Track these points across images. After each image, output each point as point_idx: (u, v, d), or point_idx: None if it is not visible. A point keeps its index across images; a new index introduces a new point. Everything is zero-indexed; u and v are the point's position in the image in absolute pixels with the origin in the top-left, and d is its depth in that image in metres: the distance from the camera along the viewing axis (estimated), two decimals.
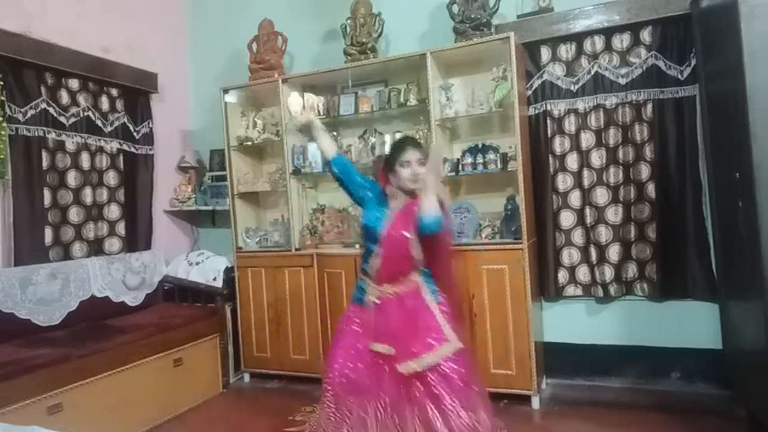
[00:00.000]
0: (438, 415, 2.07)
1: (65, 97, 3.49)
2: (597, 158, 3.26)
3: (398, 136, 3.35)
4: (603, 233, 3.26)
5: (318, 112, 3.72)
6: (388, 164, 2.26)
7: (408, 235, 2.15)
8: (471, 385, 2.17)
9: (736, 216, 2.34)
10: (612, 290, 3.26)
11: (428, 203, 2.08)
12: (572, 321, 3.40)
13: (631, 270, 3.23)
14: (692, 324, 3.14)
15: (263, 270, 3.72)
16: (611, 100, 3.21)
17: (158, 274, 3.91)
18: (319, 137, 2.39)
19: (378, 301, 2.20)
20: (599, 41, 3.22)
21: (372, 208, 2.27)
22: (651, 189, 3.15)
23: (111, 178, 3.80)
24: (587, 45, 3.25)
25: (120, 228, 3.85)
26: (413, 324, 2.16)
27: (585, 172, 3.27)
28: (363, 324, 2.25)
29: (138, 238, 3.95)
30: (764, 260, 2.10)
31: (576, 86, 3.27)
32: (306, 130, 2.51)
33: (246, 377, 3.87)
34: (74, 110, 3.54)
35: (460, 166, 3.28)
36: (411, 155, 2.19)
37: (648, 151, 3.15)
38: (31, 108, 3.27)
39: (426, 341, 2.11)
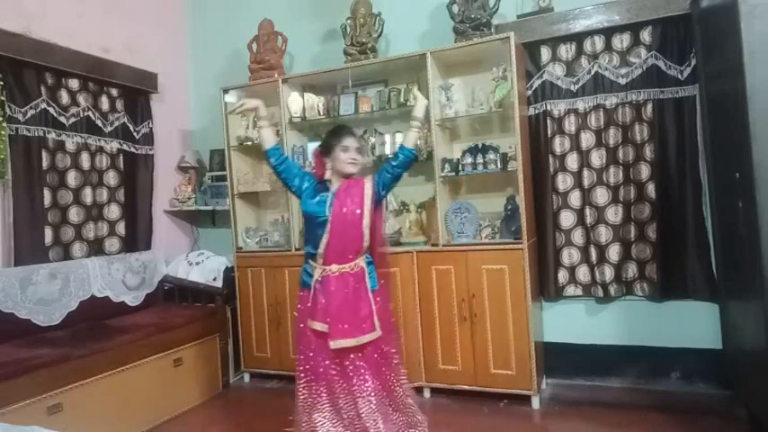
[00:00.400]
0: (379, 389, 2.28)
1: (65, 97, 3.49)
2: (597, 158, 3.26)
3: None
4: (603, 233, 3.26)
5: (318, 112, 3.72)
6: (327, 148, 2.36)
7: (359, 211, 2.29)
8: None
9: (736, 216, 2.34)
10: (612, 290, 3.26)
11: (412, 140, 2.36)
12: (572, 321, 3.41)
13: (631, 270, 3.23)
14: (692, 324, 3.14)
15: (263, 270, 3.72)
16: (611, 100, 3.21)
17: (158, 274, 3.91)
18: (263, 126, 2.45)
19: (320, 279, 2.29)
20: (599, 41, 3.22)
21: (311, 196, 2.35)
22: (651, 189, 3.15)
23: (111, 178, 3.80)
24: (587, 45, 3.25)
25: (120, 228, 3.85)
26: (351, 305, 2.27)
27: (585, 172, 3.27)
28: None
29: (138, 238, 3.95)
30: (764, 260, 2.10)
31: (576, 86, 3.27)
32: (249, 114, 2.56)
33: (246, 377, 3.87)
34: (74, 110, 3.54)
35: (460, 166, 3.28)
36: (351, 141, 2.33)
37: (648, 151, 3.15)
38: (31, 108, 3.27)
39: (361, 325, 2.26)
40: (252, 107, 2.48)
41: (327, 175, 2.36)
